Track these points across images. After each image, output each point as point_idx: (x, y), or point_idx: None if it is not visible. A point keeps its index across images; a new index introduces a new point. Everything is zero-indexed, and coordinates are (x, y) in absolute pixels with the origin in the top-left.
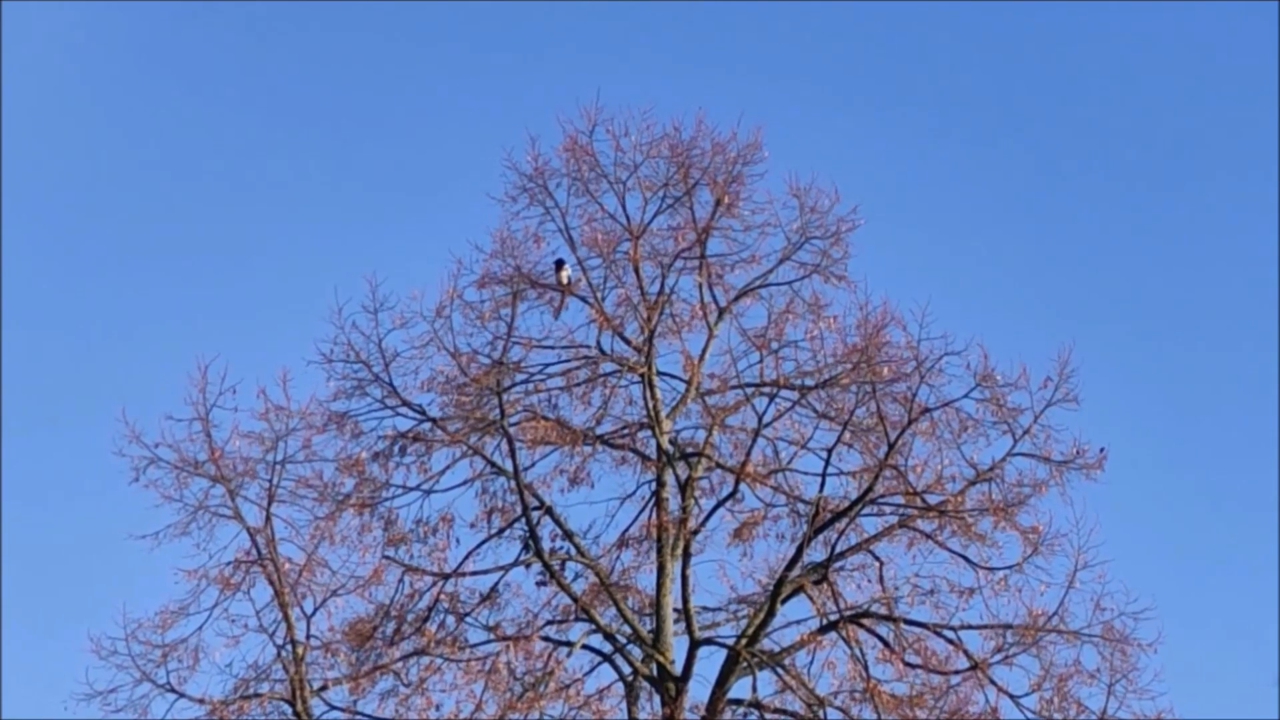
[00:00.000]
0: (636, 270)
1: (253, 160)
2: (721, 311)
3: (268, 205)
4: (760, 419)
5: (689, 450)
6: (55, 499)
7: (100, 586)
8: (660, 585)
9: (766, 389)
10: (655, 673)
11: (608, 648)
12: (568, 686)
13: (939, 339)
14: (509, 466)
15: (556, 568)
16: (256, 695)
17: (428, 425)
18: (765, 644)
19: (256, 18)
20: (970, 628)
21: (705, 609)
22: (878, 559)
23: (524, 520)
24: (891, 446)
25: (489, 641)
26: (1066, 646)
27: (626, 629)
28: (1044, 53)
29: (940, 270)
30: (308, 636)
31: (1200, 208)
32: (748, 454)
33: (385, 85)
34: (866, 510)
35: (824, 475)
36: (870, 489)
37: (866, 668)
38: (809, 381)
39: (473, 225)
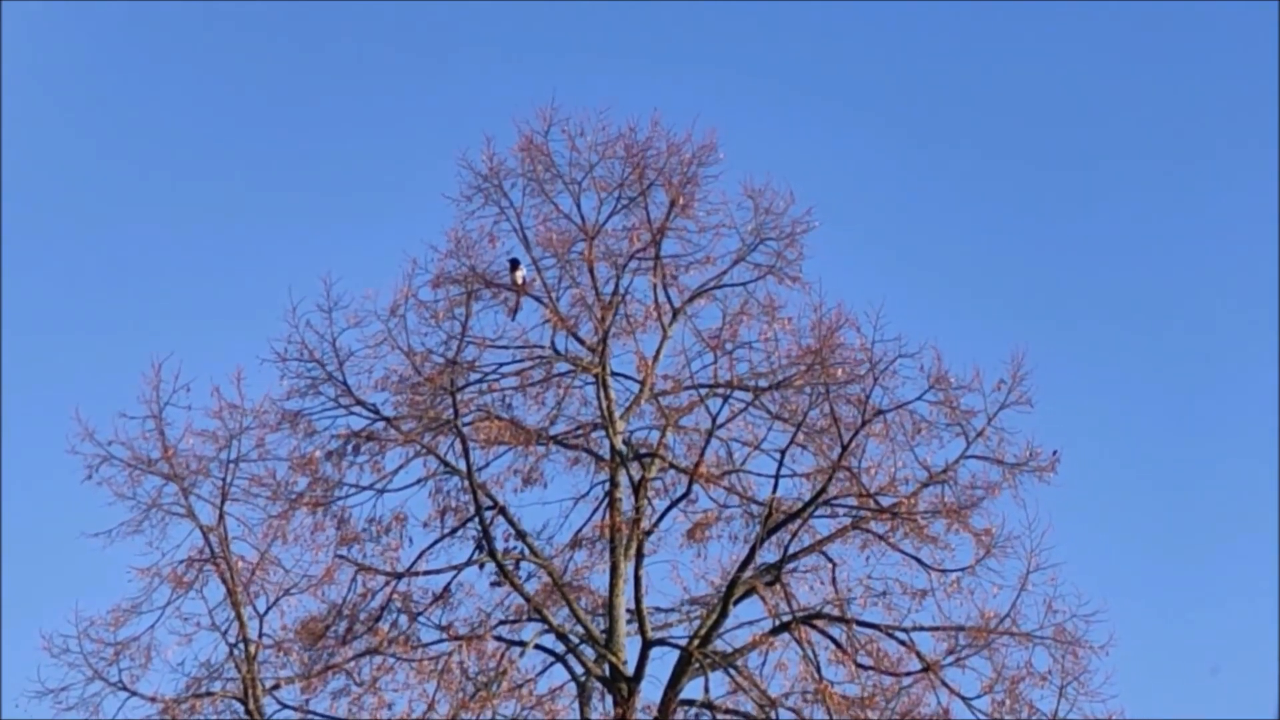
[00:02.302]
0: (591, 270)
1: (207, 159)
2: (676, 312)
3: (222, 204)
4: (714, 420)
5: (643, 451)
6: (7, 496)
7: (52, 584)
8: (613, 586)
9: (720, 390)
10: (608, 673)
11: (560, 648)
12: (520, 686)
13: (893, 341)
14: (462, 466)
15: (510, 568)
16: (209, 694)
17: (381, 424)
18: (718, 645)
19: (211, 18)
20: (923, 629)
21: (658, 610)
22: (830, 560)
23: (477, 520)
24: (845, 448)
25: (441, 641)
26: (1018, 648)
27: (579, 629)
28: (998, 55)
29: (894, 273)
30: (260, 635)
31: (1156, 210)
32: (701, 455)
33: (340, 85)
34: (819, 512)
35: (777, 476)
36: (823, 490)
37: (819, 669)
38: (763, 383)
39: (428, 225)
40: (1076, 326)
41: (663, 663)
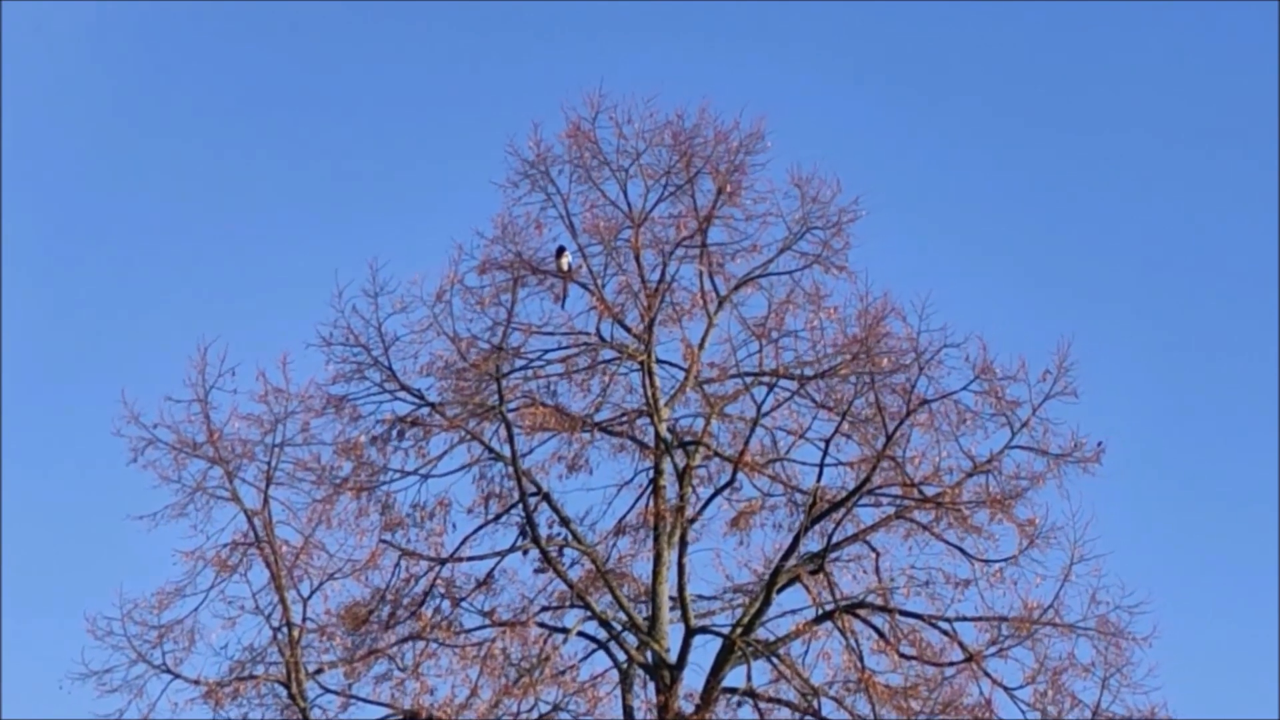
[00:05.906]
0: (637, 258)
1: (254, 144)
2: (722, 300)
3: (269, 189)
4: (759, 408)
5: (687, 438)
6: (54, 478)
7: (97, 566)
8: (656, 573)
9: (766, 378)
10: (650, 660)
11: (603, 635)
12: (563, 673)
13: (938, 331)
14: (507, 452)
15: (553, 554)
16: (252, 677)
17: (426, 410)
18: (760, 633)
19: (261, 3)
20: (965, 620)
21: (701, 597)
22: (874, 550)
23: (521, 506)
24: (889, 438)
25: (484, 627)
26: (1061, 639)
27: (622, 616)
28: (1046, 45)
29: (941, 262)
30: (304, 619)
31: (1201, 201)
32: (746, 443)
33: (387, 69)
34: (864, 501)
35: (822, 465)
36: (868, 480)
37: (861, 658)
38: (808, 371)
39: (474, 211)
40: (1122, 317)
41: (705, 650)
